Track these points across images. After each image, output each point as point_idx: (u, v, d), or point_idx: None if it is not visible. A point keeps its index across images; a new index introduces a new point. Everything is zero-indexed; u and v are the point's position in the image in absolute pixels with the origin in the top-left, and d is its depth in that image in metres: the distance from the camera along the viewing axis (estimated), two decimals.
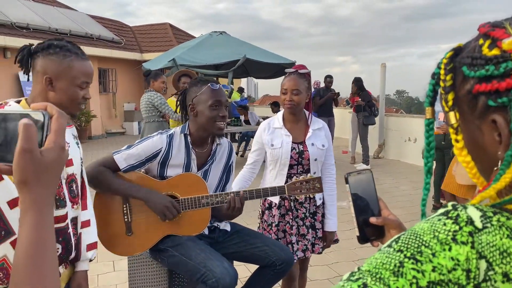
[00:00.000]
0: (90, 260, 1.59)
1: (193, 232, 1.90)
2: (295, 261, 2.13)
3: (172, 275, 1.96)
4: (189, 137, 2.00)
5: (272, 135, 2.29)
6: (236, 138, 8.87)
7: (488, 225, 0.57)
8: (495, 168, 0.60)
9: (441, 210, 0.61)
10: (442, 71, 0.64)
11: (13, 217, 1.27)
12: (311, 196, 2.25)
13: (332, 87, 8.50)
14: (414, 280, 0.56)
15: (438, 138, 5.00)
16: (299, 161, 2.24)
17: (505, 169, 0.57)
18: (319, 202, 2.31)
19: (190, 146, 1.99)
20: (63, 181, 1.44)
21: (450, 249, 0.56)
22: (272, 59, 8.12)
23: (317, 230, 2.31)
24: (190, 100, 2.00)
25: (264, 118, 9.10)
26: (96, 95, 13.40)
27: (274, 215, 2.27)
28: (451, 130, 0.65)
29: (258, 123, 8.83)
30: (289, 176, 2.24)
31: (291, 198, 2.25)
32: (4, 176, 1.26)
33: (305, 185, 1.95)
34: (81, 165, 1.60)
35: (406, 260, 0.57)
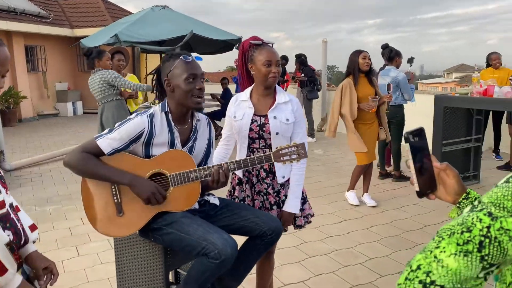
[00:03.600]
0: (34, 242, 1.54)
1: (185, 207, 1.91)
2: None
3: (167, 252, 1.97)
4: (170, 115, 1.97)
5: (237, 107, 2.28)
6: None
7: None
8: None
9: None
10: None
11: None
12: (273, 170, 2.26)
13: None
14: None
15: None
16: (260, 135, 2.22)
17: None
18: (281, 180, 2.28)
19: (172, 123, 1.97)
20: None
21: None
22: (218, 35, 8.01)
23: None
24: (165, 76, 1.96)
25: (212, 95, 9.04)
26: (24, 74, 12.44)
27: (245, 189, 2.31)
28: None
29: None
30: (251, 151, 2.25)
31: (252, 173, 2.28)
32: None
33: (290, 151, 1.96)
34: None
35: None
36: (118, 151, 1.88)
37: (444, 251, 0.68)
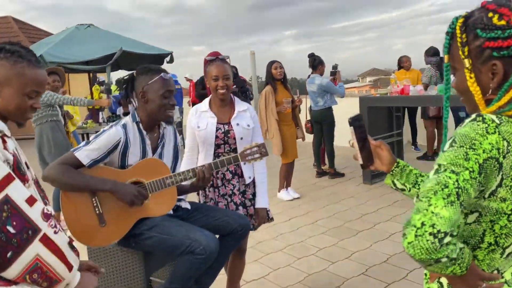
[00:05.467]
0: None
1: (164, 211, 2.05)
2: None
3: (146, 256, 2.08)
4: (140, 124, 2.11)
5: (198, 118, 2.46)
6: None
7: (502, 121, 0.99)
8: (487, 94, 1.02)
9: (469, 119, 1.00)
10: (458, 31, 1.02)
11: (35, 215, 1.26)
12: (240, 174, 2.48)
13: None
14: (476, 160, 0.95)
15: (316, 113, 5.75)
16: (225, 140, 2.42)
17: (503, 94, 0.99)
18: (248, 181, 2.50)
19: (144, 132, 2.11)
20: (32, 182, 1.44)
21: (487, 138, 0.96)
22: (148, 49, 8.06)
23: (248, 208, 2.51)
24: (141, 88, 2.09)
25: None
26: None
27: (208, 194, 2.48)
28: (466, 71, 1.03)
29: None
30: (217, 156, 2.44)
31: (217, 175, 2.47)
32: (14, 176, 1.26)
33: (255, 151, 2.17)
34: None
35: (468, 150, 0.95)
36: (97, 162, 1.97)
37: (437, 206, 0.90)
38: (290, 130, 5.04)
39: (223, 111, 2.49)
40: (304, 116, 6.06)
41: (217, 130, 2.42)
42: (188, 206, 2.25)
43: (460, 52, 1.03)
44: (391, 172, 1.32)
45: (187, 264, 1.92)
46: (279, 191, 5.23)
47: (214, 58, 2.47)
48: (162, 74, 2.09)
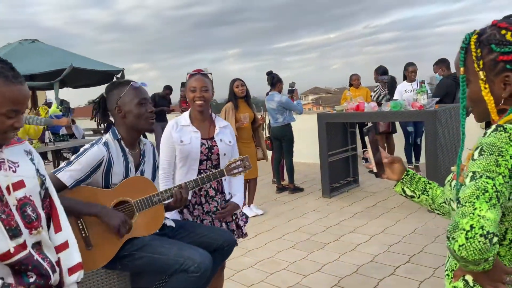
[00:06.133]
0: (78, 283, 1.51)
1: (152, 230, 1.98)
2: None
3: (133, 278, 1.99)
4: (122, 141, 2.04)
5: (180, 132, 2.41)
6: (65, 155, 8.12)
7: None
8: (500, 104, 1.11)
9: (491, 129, 1.08)
10: (473, 46, 1.12)
11: None
12: (221, 190, 2.47)
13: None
14: (505, 166, 1.02)
15: (276, 129, 5.84)
16: (208, 156, 2.41)
17: None
18: (228, 196, 2.51)
19: (126, 149, 2.04)
20: (13, 208, 1.33)
21: (511, 145, 1.04)
22: (98, 66, 7.79)
23: (228, 224, 2.50)
24: (115, 103, 2.03)
25: (94, 131, 8.60)
26: None
27: (193, 211, 2.42)
28: (481, 82, 1.12)
29: (83, 137, 8.30)
30: (199, 172, 2.42)
31: (201, 193, 2.45)
32: None
33: (239, 164, 2.18)
34: (45, 182, 1.48)
35: (498, 157, 1.03)
36: (80, 182, 1.87)
37: (482, 209, 0.97)
38: (247, 149, 4.96)
39: (204, 126, 2.47)
40: (264, 133, 6.12)
41: (201, 146, 2.39)
42: (173, 224, 2.19)
43: (475, 65, 1.12)
44: (401, 180, 1.38)
45: (181, 283, 1.86)
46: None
47: (196, 73, 2.47)
48: (132, 83, 2.05)
